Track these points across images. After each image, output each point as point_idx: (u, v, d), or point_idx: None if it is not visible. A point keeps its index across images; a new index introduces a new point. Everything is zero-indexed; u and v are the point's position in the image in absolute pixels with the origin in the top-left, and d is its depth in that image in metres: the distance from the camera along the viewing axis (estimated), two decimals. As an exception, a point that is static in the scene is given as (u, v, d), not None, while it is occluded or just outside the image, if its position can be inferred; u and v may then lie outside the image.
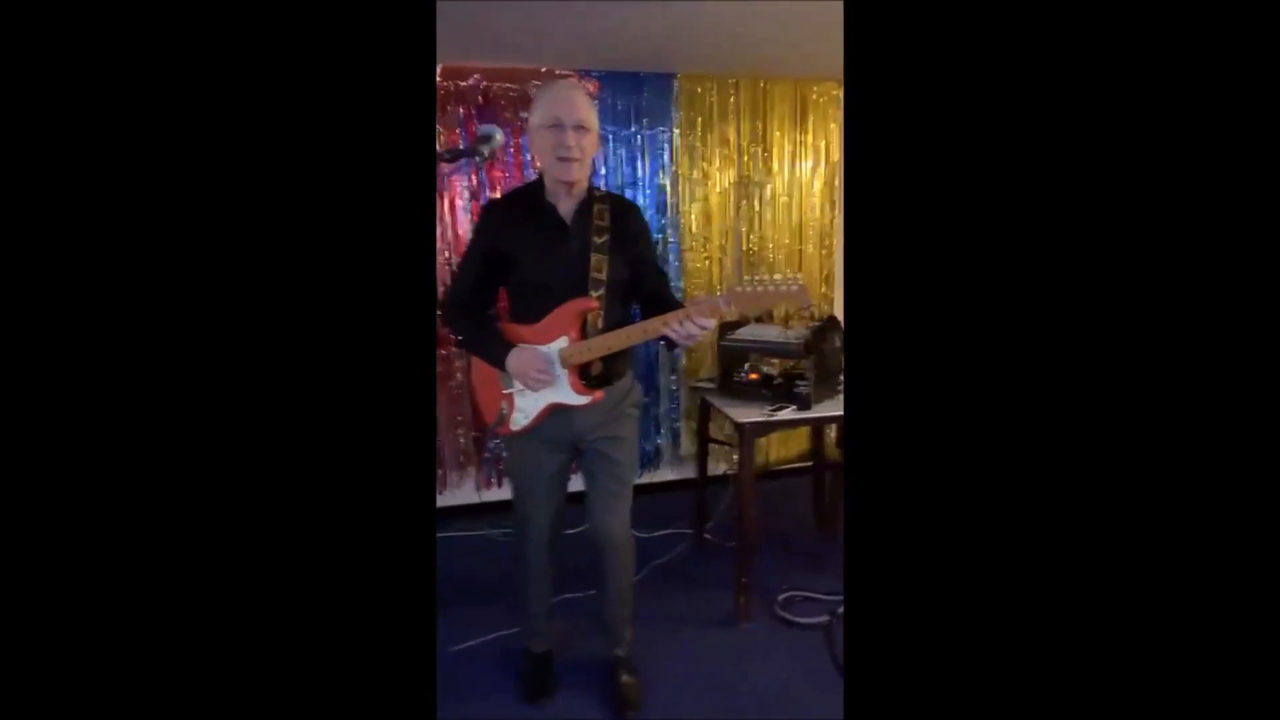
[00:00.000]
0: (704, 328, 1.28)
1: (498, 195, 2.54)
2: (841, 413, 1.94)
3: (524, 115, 2.53)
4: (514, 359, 1.38)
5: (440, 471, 2.68)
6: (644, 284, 1.48)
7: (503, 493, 2.77)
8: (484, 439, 2.71)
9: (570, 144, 1.32)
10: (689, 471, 2.89)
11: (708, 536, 2.47)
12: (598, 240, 1.39)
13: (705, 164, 2.73)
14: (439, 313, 1.50)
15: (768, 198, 2.82)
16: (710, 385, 2.18)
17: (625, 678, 1.65)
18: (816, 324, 2.00)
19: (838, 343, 2.04)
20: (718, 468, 2.82)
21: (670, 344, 1.36)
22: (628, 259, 1.44)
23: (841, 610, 1.97)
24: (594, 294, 1.39)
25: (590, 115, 1.35)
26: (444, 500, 2.69)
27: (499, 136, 1.15)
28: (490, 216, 1.45)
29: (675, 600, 2.08)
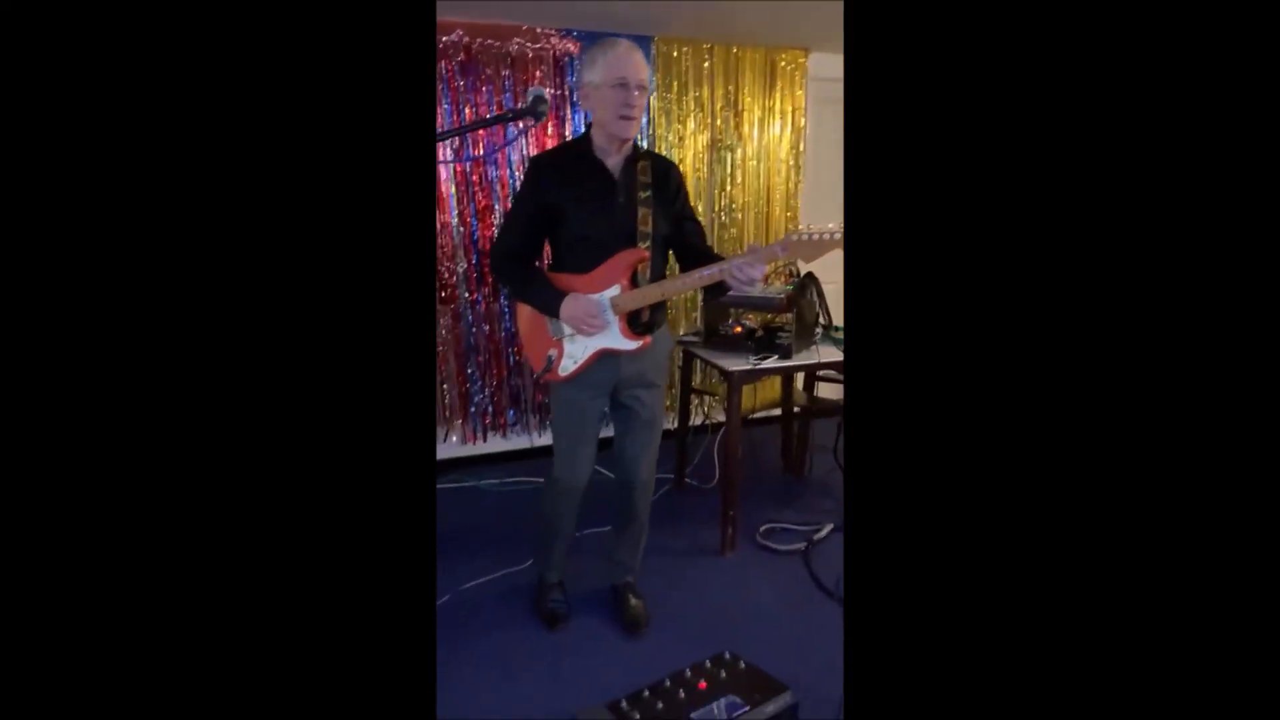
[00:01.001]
0: (762, 273, 1.41)
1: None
2: (818, 361, 2.14)
3: (505, 73, 2.55)
4: (568, 306, 1.47)
5: (426, 426, 2.74)
6: (684, 237, 1.59)
7: (488, 446, 2.86)
8: (468, 392, 2.78)
9: (635, 103, 1.41)
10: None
11: (688, 480, 2.65)
12: (643, 195, 1.49)
13: (680, 126, 2.83)
14: (489, 261, 1.56)
15: (738, 160, 2.95)
16: (695, 339, 2.33)
17: (634, 600, 1.81)
18: (795, 281, 2.17)
19: (813, 298, 2.23)
20: (693, 418, 2.99)
21: (717, 291, 1.48)
22: (669, 213, 1.55)
23: (817, 537, 2.20)
24: (642, 245, 1.49)
25: (647, 76, 1.44)
26: (430, 454, 2.76)
27: (547, 97, 1.22)
28: (539, 171, 1.51)
29: (664, 536, 2.26)
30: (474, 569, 2.06)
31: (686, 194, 1.64)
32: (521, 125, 2.56)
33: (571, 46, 2.61)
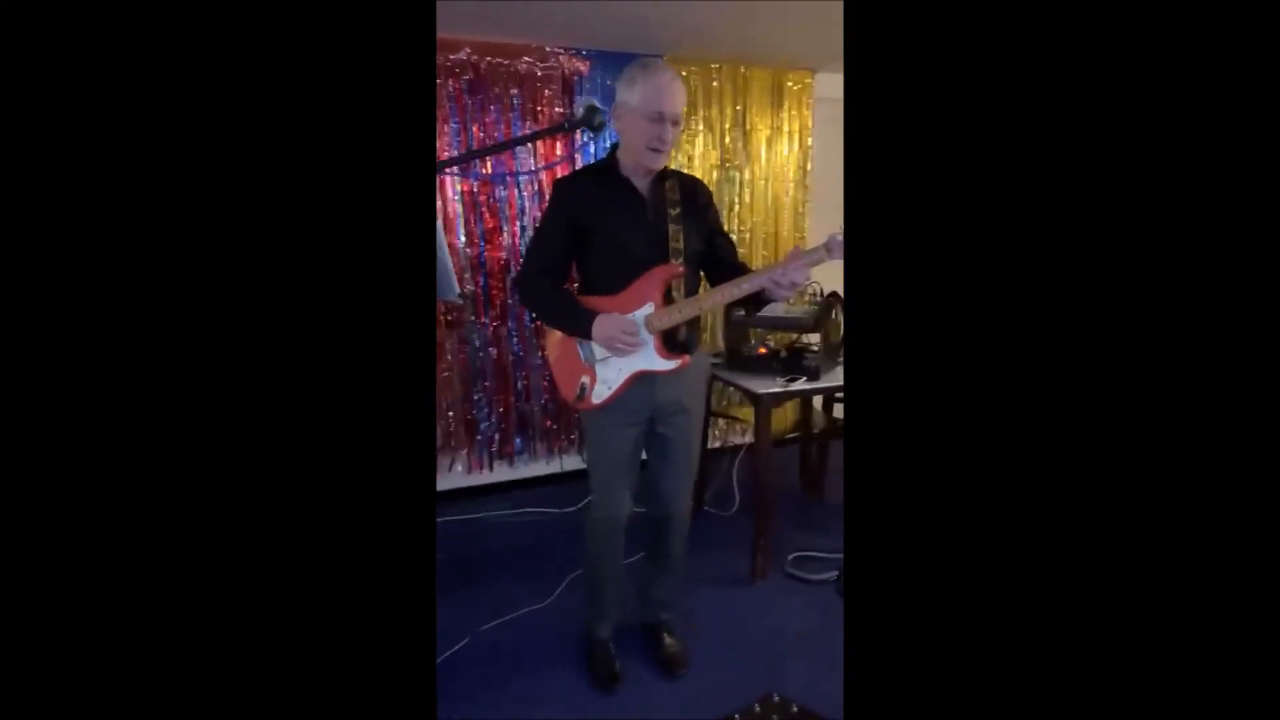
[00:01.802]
0: (805, 278, 1.34)
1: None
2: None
3: (514, 92, 2.50)
4: (600, 326, 1.39)
5: (431, 456, 2.62)
6: (716, 252, 1.53)
7: (495, 475, 2.75)
8: (474, 419, 2.67)
9: (667, 139, 1.35)
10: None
11: (707, 508, 2.56)
12: (673, 212, 1.43)
13: (689, 146, 2.80)
14: (516, 287, 1.49)
15: (746, 180, 2.93)
16: (716, 361, 2.26)
17: (669, 640, 1.71)
18: (820, 300, 2.12)
19: (838, 317, 2.18)
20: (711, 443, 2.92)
21: (753, 305, 1.41)
22: (700, 229, 1.49)
23: (848, 565, 2.13)
24: (675, 262, 1.42)
25: (683, 107, 1.38)
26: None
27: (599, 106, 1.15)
28: (567, 191, 1.45)
29: (689, 564, 2.15)
30: (491, 609, 1.94)
31: (716, 209, 1.58)
32: (531, 157, 2.50)
33: (581, 66, 2.56)
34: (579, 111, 1.07)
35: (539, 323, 2.61)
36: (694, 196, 1.50)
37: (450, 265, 1.41)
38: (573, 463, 2.84)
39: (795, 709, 1.43)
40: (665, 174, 1.48)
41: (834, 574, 2.10)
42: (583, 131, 1.05)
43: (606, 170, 1.46)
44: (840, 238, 1.30)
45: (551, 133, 1.03)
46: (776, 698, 1.47)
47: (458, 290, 2.36)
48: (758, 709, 1.43)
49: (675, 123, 1.36)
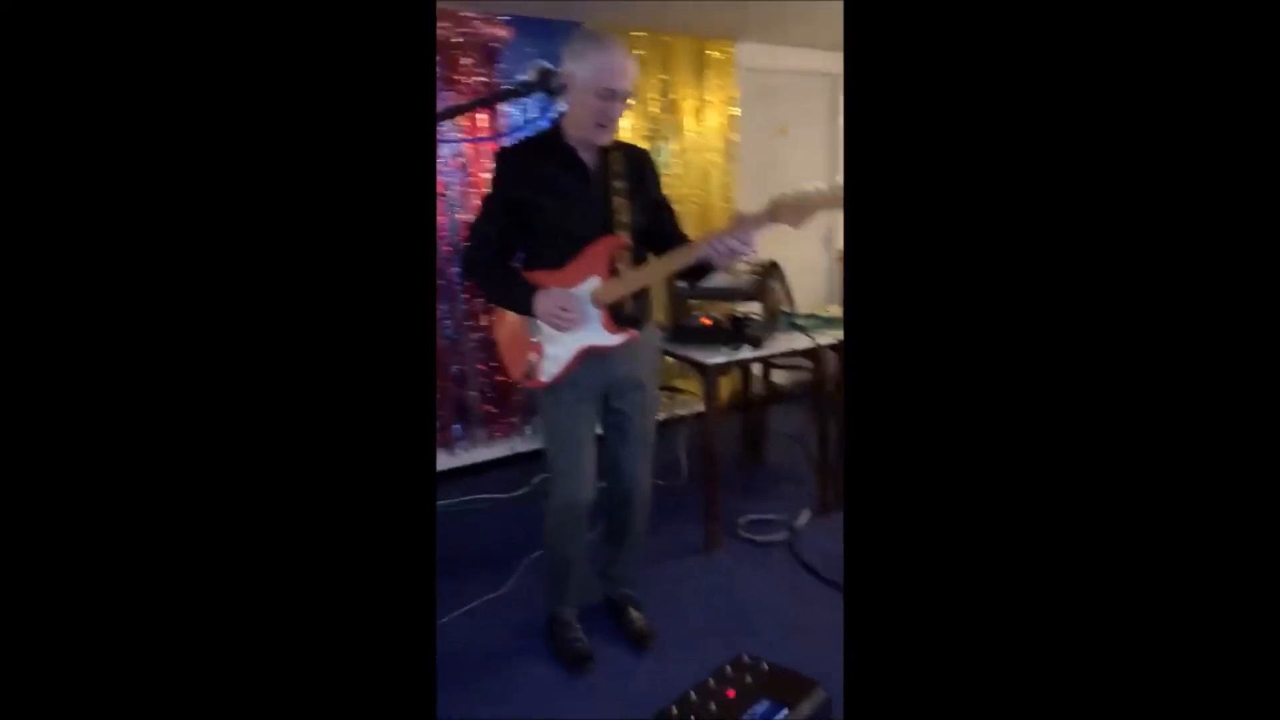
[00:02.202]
0: (748, 245, 1.30)
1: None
2: (789, 349, 2.14)
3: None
4: (541, 301, 1.36)
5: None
6: (659, 225, 1.52)
7: (446, 462, 2.65)
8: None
9: (615, 116, 1.33)
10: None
11: (656, 479, 2.58)
12: (618, 185, 1.41)
13: (616, 117, 2.75)
14: (459, 262, 1.43)
15: (674, 151, 2.91)
16: (663, 333, 2.26)
17: (635, 613, 1.72)
18: (758, 270, 2.16)
19: (774, 285, 2.22)
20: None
21: (699, 275, 1.40)
22: (645, 202, 1.47)
23: (797, 524, 2.21)
24: (620, 235, 1.40)
25: (633, 84, 1.35)
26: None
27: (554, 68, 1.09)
28: (510, 164, 1.40)
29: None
30: (448, 601, 1.88)
31: (658, 180, 1.57)
32: (454, 128, 2.37)
33: (501, 32, 2.45)
34: (530, 74, 1.01)
35: (470, 301, 2.52)
36: (639, 167, 1.48)
37: None
38: (520, 445, 2.79)
39: (766, 666, 1.47)
40: (611, 145, 1.44)
41: (783, 534, 2.17)
42: (514, 102, 1.00)
43: (551, 141, 1.41)
44: (782, 198, 1.27)
45: (504, 98, 0.96)
46: (747, 658, 1.50)
47: None
48: (730, 670, 1.46)
49: (624, 99, 1.34)
